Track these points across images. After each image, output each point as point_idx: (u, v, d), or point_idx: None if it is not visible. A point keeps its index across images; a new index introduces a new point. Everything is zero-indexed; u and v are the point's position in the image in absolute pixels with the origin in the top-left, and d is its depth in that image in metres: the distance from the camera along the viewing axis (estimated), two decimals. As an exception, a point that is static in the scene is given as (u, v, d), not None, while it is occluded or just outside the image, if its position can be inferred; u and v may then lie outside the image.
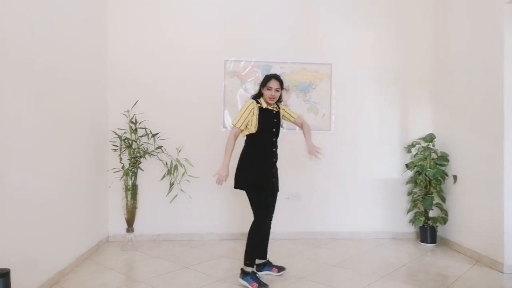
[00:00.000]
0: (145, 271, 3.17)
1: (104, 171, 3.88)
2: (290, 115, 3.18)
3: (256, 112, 2.91)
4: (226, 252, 3.67)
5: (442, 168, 3.99)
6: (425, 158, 4.06)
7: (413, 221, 4.16)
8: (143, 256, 3.55)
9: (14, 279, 2.10)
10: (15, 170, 2.35)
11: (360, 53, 4.32)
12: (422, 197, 4.08)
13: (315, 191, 4.26)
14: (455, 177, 3.89)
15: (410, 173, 4.24)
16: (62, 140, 2.98)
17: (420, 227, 4.09)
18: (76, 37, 3.22)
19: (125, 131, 3.80)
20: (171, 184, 3.83)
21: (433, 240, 4.03)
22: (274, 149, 3.02)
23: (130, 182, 3.75)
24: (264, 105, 2.96)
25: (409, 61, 4.35)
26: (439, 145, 4.16)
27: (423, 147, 4.17)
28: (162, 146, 3.84)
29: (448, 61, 4.10)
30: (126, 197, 3.76)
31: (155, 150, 3.81)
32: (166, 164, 3.85)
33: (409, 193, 4.20)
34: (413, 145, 4.23)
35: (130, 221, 3.80)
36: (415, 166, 4.12)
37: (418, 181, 4.06)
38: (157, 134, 3.86)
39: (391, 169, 4.33)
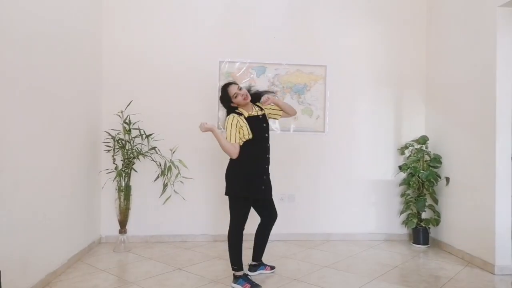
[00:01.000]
0: (137, 272, 3.15)
1: (97, 172, 3.86)
2: (276, 110, 3.08)
3: (243, 123, 2.80)
4: (219, 254, 3.66)
5: (435, 170, 4.02)
6: (418, 160, 4.08)
7: (406, 222, 4.19)
8: (135, 258, 3.54)
9: (5, 281, 2.09)
10: (6, 171, 2.32)
11: (355, 55, 4.34)
12: (415, 199, 4.10)
13: (309, 192, 4.27)
14: (447, 179, 3.92)
15: (403, 175, 4.27)
16: (54, 141, 2.96)
17: (413, 229, 4.11)
18: (70, 37, 3.20)
19: (118, 131, 3.78)
20: (165, 185, 3.82)
21: (426, 242, 4.06)
22: (267, 155, 2.96)
23: (123, 183, 3.73)
24: (246, 114, 2.86)
25: (403, 63, 4.38)
26: (432, 147, 4.19)
27: (416, 149, 4.20)
28: (156, 147, 3.82)
29: (441, 64, 4.14)
30: (119, 198, 3.74)
31: (148, 151, 3.79)
32: (160, 165, 3.84)
33: (402, 195, 4.22)
34: (406, 147, 4.26)
35: (122, 222, 3.78)
36: (408, 168, 4.15)
37: (411, 183, 4.08)
38: (151, 135, 3.84)
39: (384, 171, 4.35)
